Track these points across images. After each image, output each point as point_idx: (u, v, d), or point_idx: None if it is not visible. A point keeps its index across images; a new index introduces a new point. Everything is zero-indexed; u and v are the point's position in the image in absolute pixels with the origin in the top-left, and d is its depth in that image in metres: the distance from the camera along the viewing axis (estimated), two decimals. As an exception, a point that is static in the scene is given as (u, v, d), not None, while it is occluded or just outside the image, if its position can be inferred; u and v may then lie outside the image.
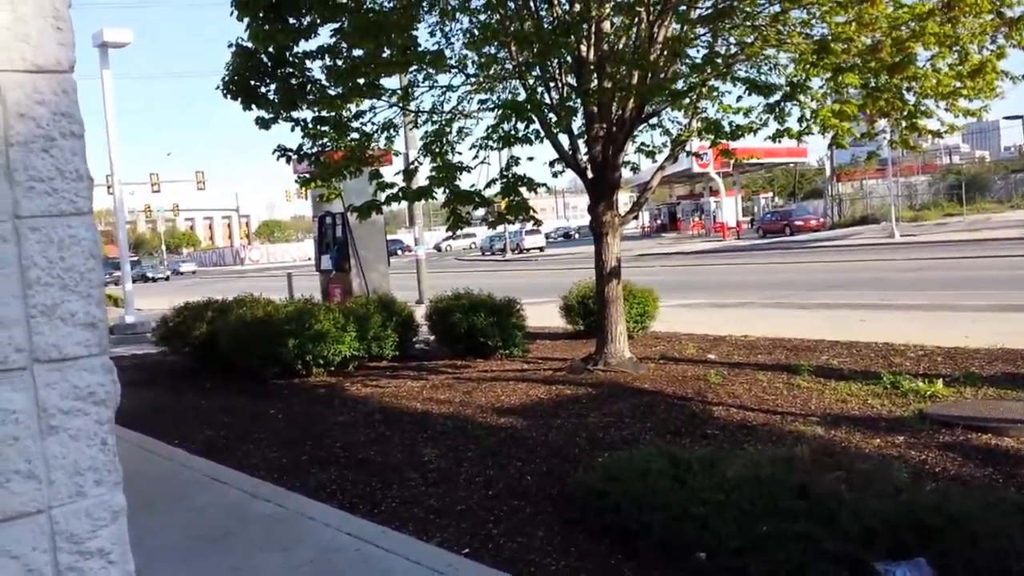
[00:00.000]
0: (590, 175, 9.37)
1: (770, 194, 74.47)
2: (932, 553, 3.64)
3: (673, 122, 10.58)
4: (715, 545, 4.03)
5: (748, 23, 8.38)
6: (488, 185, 8.61)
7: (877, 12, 7.15)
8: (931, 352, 9.30)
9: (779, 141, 8.94)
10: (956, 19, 7.08)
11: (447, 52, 9.20)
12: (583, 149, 9.42)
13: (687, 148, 10.54)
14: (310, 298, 13.18)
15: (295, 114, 9.48)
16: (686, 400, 7.75)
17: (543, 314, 13.96)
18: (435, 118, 9.99)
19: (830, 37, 7.48)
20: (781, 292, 18.61)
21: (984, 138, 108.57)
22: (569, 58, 8.78)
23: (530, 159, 9.34)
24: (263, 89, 9.17)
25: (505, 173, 8.52)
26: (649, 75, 8.23)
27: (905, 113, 8.28)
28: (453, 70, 9.52)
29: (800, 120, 8.39)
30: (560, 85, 9.09)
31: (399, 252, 56.86)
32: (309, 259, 61.09)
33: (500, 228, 57.46)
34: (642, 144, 10.22)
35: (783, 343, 10.64)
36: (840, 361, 9.22)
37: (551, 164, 9.86)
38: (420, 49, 8.53)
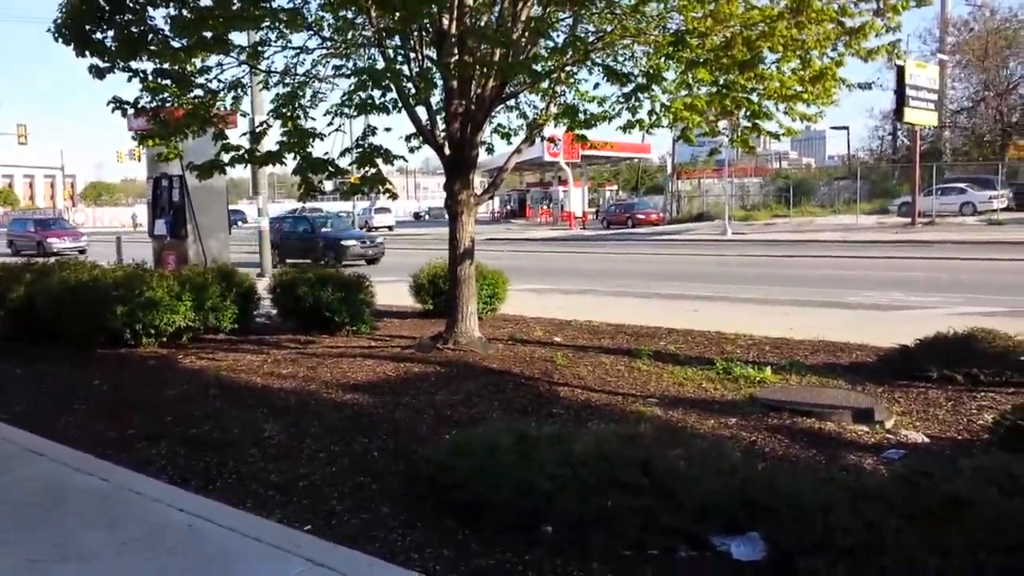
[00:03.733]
0: (447, 152, 9.27)
1: (615, 187, 76.87)
2: (764, 528, 3.82)
3: (531, 106, 10.65)
4: (560, 519, 4.06)
5: (608, 11, 8.51)
6: (343, 154, 8.34)
7: (731, 10, 7.42)
8: (760, 341, 9.84)
9: (630, 132, 9.13)
10: (802, 24, 7.47)
11: (303, 11, 8.81)
12: (441, 126, 9.31)
13: (543, 133, 10.63)
14: (141, 263, 12.39)
15: (134, 64, 8.82)
16: (533, 380, 7.83)
17: (392, 293, 13.76)
18: (288, 80, 9.58)
19: (685, 31, 7.70)
20: (623, 281, 19.22)
21: (811, 146, 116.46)
22: (431, 29, 8.63)
23: (387, 130, 9.13)
24: (99, 35, 8.47)
25: (361, 142, 8.28)
26: (511, 53, 8.20)
27: (749, 113, 8.65)
28: (309, 31, 9.15)
29: (651, 113, 8.61)
30: (420, 57, 8.92)
31: (239, 224, 54.57)
32: (141, 226, 57.54)
33: (348, 206, 56.32)
34: (499, 126, 10.22)
35: (625, 329, 10.96)
36: (677, 347, 9.59)
37: (408, 139, 9.67)
38: (273, 5, 8.12)
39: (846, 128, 68.02)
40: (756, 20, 7.73)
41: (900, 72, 33.01)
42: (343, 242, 26.84)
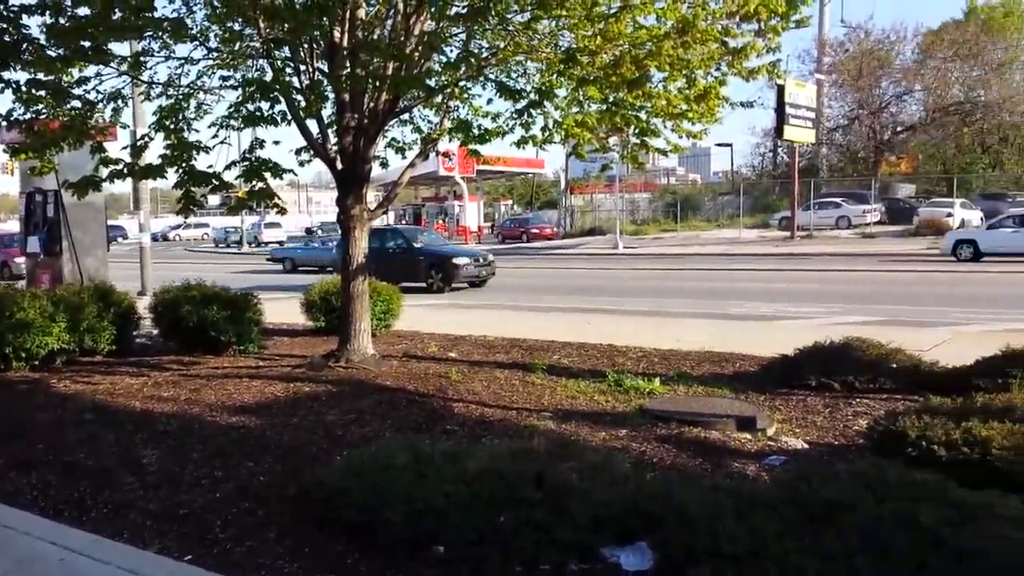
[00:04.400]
0: (339, 166, 9.12)
1: (510, 202, 77.42)
2: (655, 537, 3.87)
3: (425, 120, 10.61)
4: (455, 537, 4.02)
5: (501, 27, 8.57)
6: (228, 167, 8.08)
7: (620, 29, 7.59)
8: (649, 353, 10.05)
9: (523, 147, 9.21)
10: (688, 44, 7.70)
11: (188, 21, 8.53)
12: (333, 139, 9.15)
13: (437, 147, 10.60)
14: (11, 283, 11.69)
15: (6, 75, 8.35)
16: (428, 397, 7.76)
17: (283, 310, 13.44)
18: (171, 91, 9.24)
19: (576, 49, 7.83)
20: (518, 295, 19.34)
21: (697, 163, 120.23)
22: (321, 41, 8.50)
23: (276, 143, 8.93)
24: (-33, 43, 7.97)
25: (248, 156, 8.05)
26: (404, 67, 8.15)
27: (638, 130, 8.86)
28: (194, 41, 8.86)
29: (544, 129, 8.71)
30: (311, 69, 8.76)
31: (119, 240, 52.33)
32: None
33: (236, 220, 54.77)
34: (393, 140, 10.13)
35: (520, 343, 11.02)
36: (570, 360, 9.70)
37: (298, 152, 9.48)
38: (157, 15, 7.82)
39: (730, 145, 70.66)
40: (644, 40, 7.93)
41: (780, 91, 34.54)
42: (455, 260, 21.58)
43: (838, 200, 43.15)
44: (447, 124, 9.71)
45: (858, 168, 51.44)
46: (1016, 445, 4.85)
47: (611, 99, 8.47)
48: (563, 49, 8.19)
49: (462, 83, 9.12)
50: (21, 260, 32.22)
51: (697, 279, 22.81)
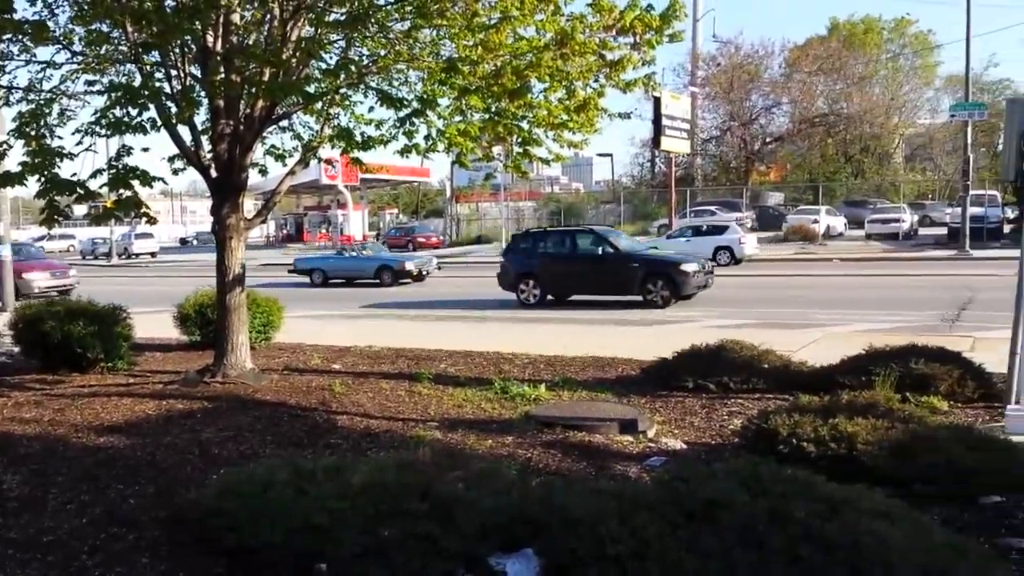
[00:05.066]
0: (214, 174, 8.81)
1: (395, 211, 76.83)
2: (540, 543, 3.89)
3: (305, 127, 10.38)
4: (339, 554, 3.93)
5: (382, 35, 8.49)
6: (94, 175, 7.67)
7: (500, 40, 7.65)
8: (536, 360, 10.15)
9: (408, 156, 9.14)
10: (567, 56, 7.84)
11: (50, 24, 8.07)
12: (207, 147, 8.84)
13: (319, 155, 10.39)
14: None
15: None
16: (310, 411, 7.57)
17: (155, 325, 12.87)
18: (32, 96, 8.73)
19: (458, 58, 7.84)
20: (405, 304, 19.18)
21: (580, 172, 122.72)
22: (194, 46, 8.20)
23: (145, 150, 8.54)
24: None
25: (115, 163, 7.67)
26: (281, 74, 7.96)
27: (520, 140, 8.95)
28: (57, 44, 8.39)
29: (427, 138, 8.68)
30: (183, 74, 8.43)
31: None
32: None
33: (105, 230, 52.18)
34: (272, 147, 9.87)
35: (406, 352, 10.92)
36: (457, 369, 9.68)
37: (171, 160, 9.11)
38: (17, 17, 7.36)
39: (610, 155, 72.57)
40: (524, 50, 8.02)
41: (657, 103, 35.57)
42: (683, 267, 17.28)
43: (713, 208, 44.79)
44: (328, 131, 9.54)
45: (731, 177, 53.65)
46: (879, 440, 5.14)
47: (493, 109, 8.53)
48: (444, 58, 8.19)
49: (343, 90, 8.99)
50: (37, 276, 24.52)
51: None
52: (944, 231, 34.72)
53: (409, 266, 25.67)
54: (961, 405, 7.24)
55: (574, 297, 18.53)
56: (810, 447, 5.20)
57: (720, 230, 30.35)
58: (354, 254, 27.97)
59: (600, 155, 72.34)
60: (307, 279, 26.79)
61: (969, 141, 31.01)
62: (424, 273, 26.33)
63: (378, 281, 25.46)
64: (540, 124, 8.57)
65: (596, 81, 8.34)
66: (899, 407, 5.92)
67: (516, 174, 10.43)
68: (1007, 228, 32.75)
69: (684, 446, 6.34)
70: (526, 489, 4.50)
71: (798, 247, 33.46)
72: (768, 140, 55.26)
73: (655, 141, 37.94)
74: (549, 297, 18.43)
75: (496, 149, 10.43)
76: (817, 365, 8.27)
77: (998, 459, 5.01)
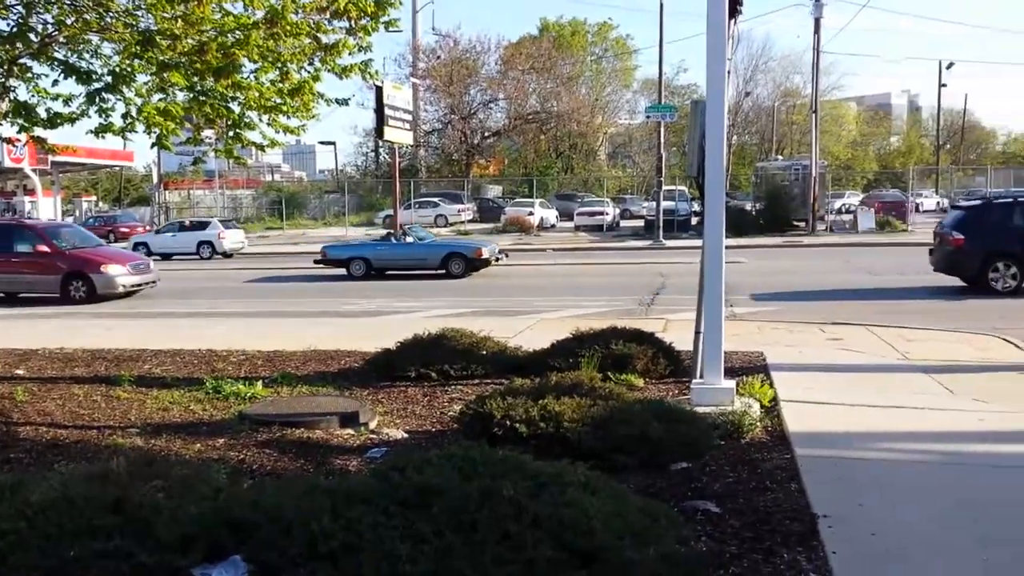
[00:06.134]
0: None
1: (94, 198, 70.07)
2: (249, 547, 3.68)
3: (-26, 100, 9.07)
4: (14, 584, 3.46)
5: (68, 2, 7.62)
6: None
7: (204, 14, 7.15)
8: (252, 356, 9.70)
9: (103, 137, 8.32)
10: (278, 36, 7.49)
11: None
12: None
13: (-2, 134, 9.15)
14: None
15: None
16: (-17, 423, 6.65)
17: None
18: None
19: (156, 31, 7.22)
20: (102, 303, 17.55)
21: (303, 160, 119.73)
22: None
23: None
24: None
25: None
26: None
27: (230, 122, 8.45)
28: None
29: (125, 116, 7.94)
30: None
31: None
32: None
33: None
34: (-70, 123, 8.53)
35: (104, 354, 9.96)
36: (164, 369, 9.01)
37: None
38: None
39: (334, 144, 71.42)
40: (231, 27, 7.56)
41: (379, 92, 35.38)
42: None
43: (436, 200, 45.72)
44: (4, 106, 8.42)
45: (453, 169, 54.99)
46: (583, 417, 5.46)
47: (198, 88, 7.98)
48: (140, 31, 7.51)
49: (22, 60, 7.98)
50: (119, 272, 18.27)
51: (307, 278, 22.61)
52: (642, 223, 38.07)
53: (485, 253, 21.45)
54: (655, 381, 7.92)
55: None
56: (522, 428, 5.41)
57: (202, 226, 33.09)
58: (410, 240, 22.92)
59: (323, 143, 71.00)
60: (343, 270, 22.13)
61: (662, 140, 34.20)
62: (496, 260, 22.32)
63: (444, 272, 21.32)
64: (251, 106, 8.15)
65: (311, 64, 8.07)
66: (601, 385, 6.34)
67: (228, 159, 9.86)
68: (694, 220, 36.57)
69: (405, 435, 6.35)
70: (235, 492, 4.24)
71: (515, 238, 35.02)
72: (487, 134, 57.33)
73: (378, 131, 37.63)
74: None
75: (208, 132, 9.81)
76: (531, 349, 8.67)
77: (684, 429, 5.52)
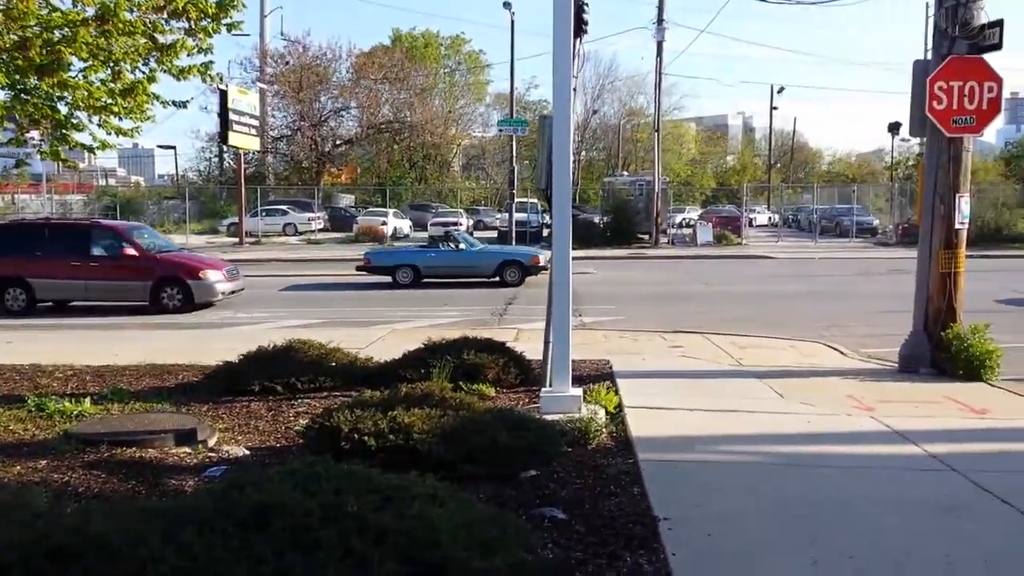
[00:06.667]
0: None
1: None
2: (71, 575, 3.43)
3: None
4: None
5: None
6: None
7: (28, 8, 6.68)
8: (80, 371, 9.10)
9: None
10: (110, 34, 7.08)
11: None
12: None
13: None
14: None
15: None
16: None
17: None
18: None
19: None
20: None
21: (140, 164, 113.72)
22: None
23: None
24: None
25: None
26: None
27: (55, 123, 7.93)
28: None
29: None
30: None
31: None
32: None
33: None
34: None
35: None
36: (-21, 387, 8.29)
37: None
38: None
39: (174, 148, 68.02)
40: (58, 23, 7.11)
41: (223, 96, 34.28)
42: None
43: (285, 208, 44.50)
44: None
45: (303, 177, 53.69)
46: (433, 428, 5.43)
47: (21, 86, 7.44)
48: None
49: None
50: (217, 278, 16.24)
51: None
52: (495, 234, 38.47)
53: (542, 260, 20.21)
54: (507, 390, 7.99)
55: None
56: (371, 440, 5.32)
57: None
58: (462, 247, 21.51)
59: (162, 147, 67.62)
60: (388, 278, 20.89)
61: (515, 153, 34.69)
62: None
63: (498, 280, 20.50)
64: (80, 106, 7.68)
65: (146, 64, 7.70)
66: (452, 396, 6.33)
67: (54, 161, 9.22)
68: (546, 232, 37.30)
69: (247, 452, 6.11)
70: (58, 517, 3.95)
71: (368, 248, 34.53)
72: (338, 143, 56.37)
73: (223, 136, 36.52)
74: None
75: (33, 133, 9.16)
76: (382, 361, 8.56)
77: (533, 437, 5.59)
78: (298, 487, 3.65)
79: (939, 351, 9.00)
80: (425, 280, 20.79)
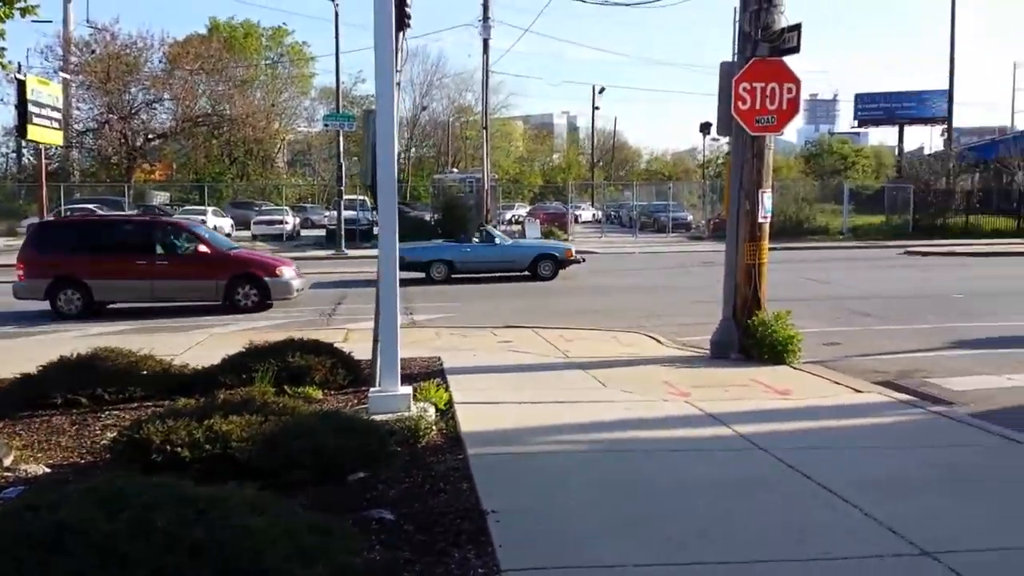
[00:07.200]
0: None
1: None
2: None
3: None
4: None
5: None
6: None
7: None
8: None
9: None
10: None
11: None
12: None
13: None
14: None
15: None
16: None
17: None
18: None
19: None
20: None
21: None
22: None
23: None
24: None
25: None
26: None
27: None
28: None
29: None
30: None
31: None
32: None
33: None
34: None
35: None
36: None
37: None
38: None
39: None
40: None
41: (21, 87, 31.47)
42: None
43: (91, 207, 41.52)
44: None
45: (112, 173, 50.24)
46: (253, 435, 5.21)
47: None
48: None
49: None
50: (292, 275, 15.29)
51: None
52: (324, 232, 37.60)
53: (575, 254, 21.23)
54: (335, 392, 7.81)
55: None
56: (185, 452, 5.04)
57: None
58: (497, 242, 21.76)
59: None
60: (421, 274, 20.30)
61: (343, 149, 33.97)
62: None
63: (531, 274, 20.77)
64: None
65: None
66: (275, 400, 6.11)
67: None
68: (375, 229, 36.87)
69: (48, 470, 5.64)
70: None
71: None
72: (151, 137, 53.11)
73: (20, 129, 33.48)
74: None
75: None
76: (200, 367, 8.14)
77: (360, 438, 5.48)
78: (100, 504, 3.39)
79: (747, 337, 9.60)
80: (458, 275, 20.89)
